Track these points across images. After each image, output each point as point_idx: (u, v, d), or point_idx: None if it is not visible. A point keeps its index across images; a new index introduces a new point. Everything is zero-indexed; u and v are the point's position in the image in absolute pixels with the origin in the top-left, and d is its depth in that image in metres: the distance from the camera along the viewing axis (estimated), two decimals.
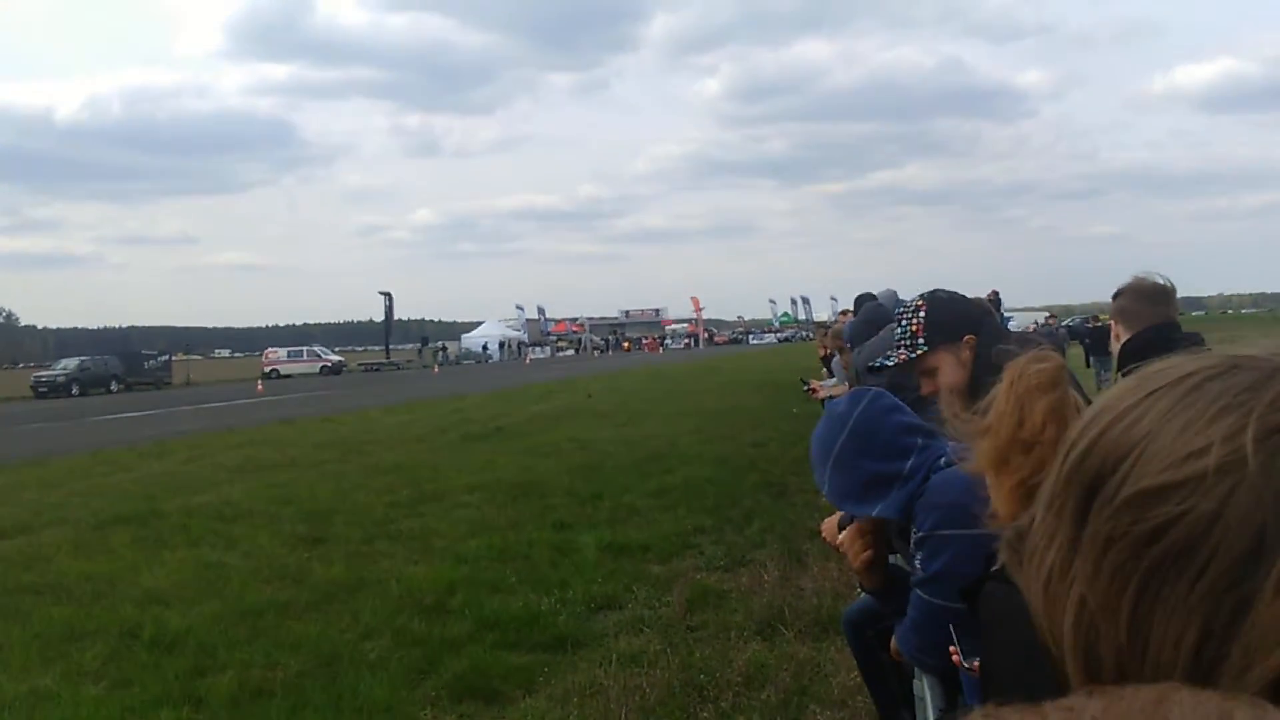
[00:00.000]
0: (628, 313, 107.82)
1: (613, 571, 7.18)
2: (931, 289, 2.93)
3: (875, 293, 7.19)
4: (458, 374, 51.66)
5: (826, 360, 9.39)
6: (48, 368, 51.62)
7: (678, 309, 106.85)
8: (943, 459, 2.10)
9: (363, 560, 7.90)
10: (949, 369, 2.66)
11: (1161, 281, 3.40)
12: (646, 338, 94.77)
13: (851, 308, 10.92)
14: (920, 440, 2.17)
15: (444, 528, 9.05)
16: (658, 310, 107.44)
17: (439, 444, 16.07)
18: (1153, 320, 3.28)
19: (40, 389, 45.68)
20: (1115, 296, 3.45)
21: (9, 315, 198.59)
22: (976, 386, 2.14)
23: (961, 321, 2.71)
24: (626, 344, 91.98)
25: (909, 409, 2.28)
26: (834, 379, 8.40)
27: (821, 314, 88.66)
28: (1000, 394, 1.61)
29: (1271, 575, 0.47)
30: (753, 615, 5.92)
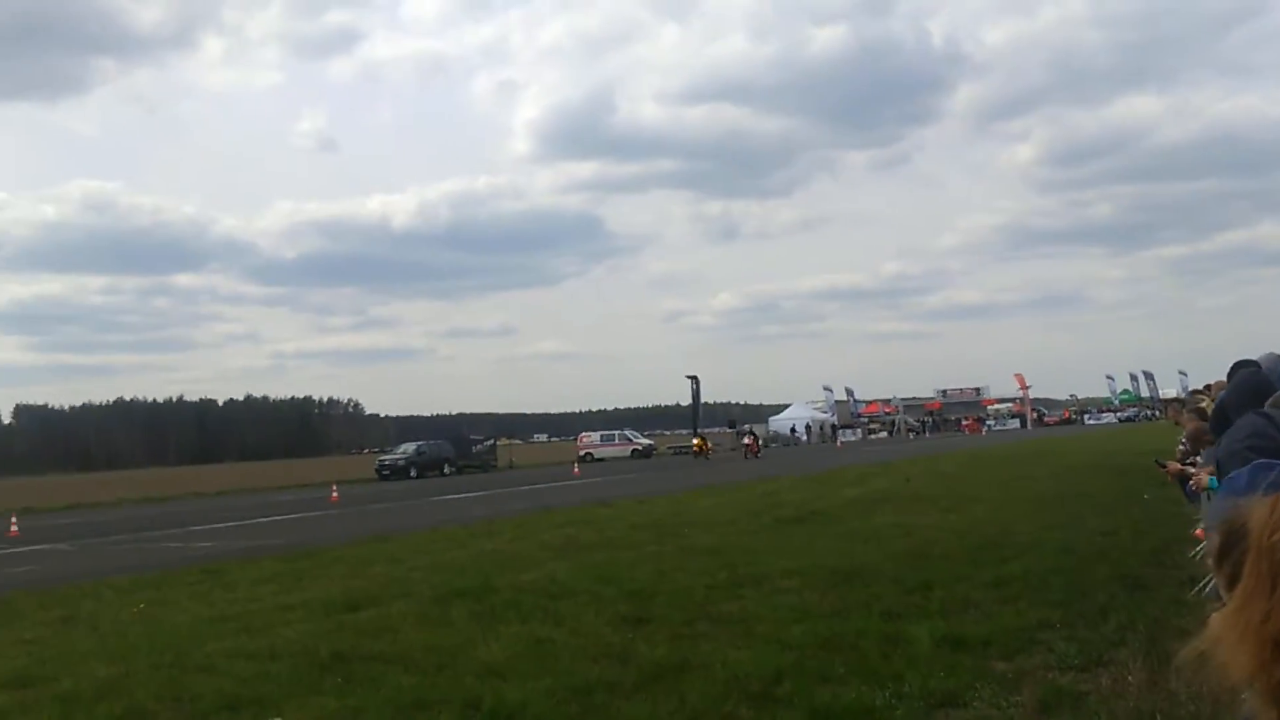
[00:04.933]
0: (944, 392, 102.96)
1: (950, 666, 6.59)
2: None
3: (1256, 358, 6.23)
4: (767, 457, 51.56)
5: (1193, 441, 8.15)
6: (389, 452, 56.46)
7: (1000, 388, 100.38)
8: None
9: (685, 642, 7.80)
10: None
11: None
12: (966, 418, 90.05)
13: (1213, 380, 9.63)
14: None
15: (764, 612, 8.78)
16: (978, 389, 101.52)
17: (753, 527, 15.90)
18: None
19: (383, 472, 50.48)
20: None
21: (356, 405, 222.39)
22: None
23: None
24: (967, 422, 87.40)
25: None
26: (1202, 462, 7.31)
27: (1169, 390, 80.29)
28: (1248, 567, 1.13)
29: None
30: None
